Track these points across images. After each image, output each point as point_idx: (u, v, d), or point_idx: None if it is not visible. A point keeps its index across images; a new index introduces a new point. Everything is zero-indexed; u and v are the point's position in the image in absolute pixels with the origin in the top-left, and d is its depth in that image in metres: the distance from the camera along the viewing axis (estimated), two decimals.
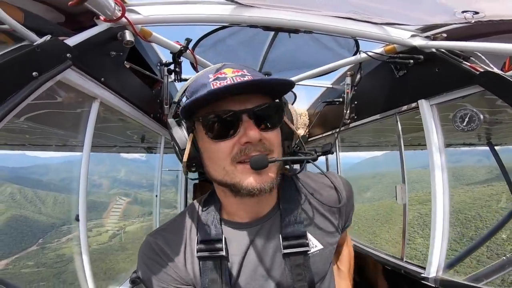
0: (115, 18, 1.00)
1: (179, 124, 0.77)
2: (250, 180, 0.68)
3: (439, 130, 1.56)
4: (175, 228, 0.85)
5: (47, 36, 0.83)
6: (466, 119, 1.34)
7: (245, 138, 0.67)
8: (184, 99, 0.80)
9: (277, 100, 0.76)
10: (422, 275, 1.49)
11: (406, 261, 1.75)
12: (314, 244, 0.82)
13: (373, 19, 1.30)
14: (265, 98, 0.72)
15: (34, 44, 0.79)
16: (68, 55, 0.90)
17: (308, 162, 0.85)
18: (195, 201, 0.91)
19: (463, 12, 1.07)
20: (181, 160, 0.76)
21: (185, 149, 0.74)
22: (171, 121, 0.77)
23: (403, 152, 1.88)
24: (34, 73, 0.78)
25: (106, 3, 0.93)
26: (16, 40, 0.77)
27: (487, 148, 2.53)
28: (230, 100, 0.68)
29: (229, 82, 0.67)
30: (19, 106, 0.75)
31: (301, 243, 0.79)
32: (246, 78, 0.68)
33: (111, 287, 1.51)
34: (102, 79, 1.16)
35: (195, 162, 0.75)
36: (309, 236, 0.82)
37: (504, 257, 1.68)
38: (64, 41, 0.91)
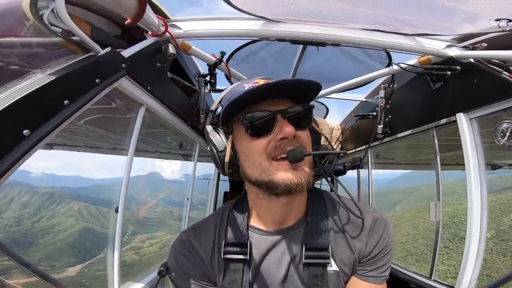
0: (159, 33, 1.17)
1: (215, 131, 0.84)
2: (288, 175, 0.72)
3: (479, 145, 1.44)
4: (206, 228, 0.91)
5: (108, 48, 1.00)
6: (508, 133, 1.24)
7: (281, 134, 0.72)
8: (220, 108, 0.87)
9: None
10: None
11: (434, 280, 1.61)
12: (331, 264, 0.82)
13: (402, 30, 1.31)
14: (294, 102, 0.78)
15: (98, 54, 0.97)
16: (123, 65, 1.07)
17: (338, 156, 0.92)
18: (226, 204, 0.97)
19: (496, 20, 1.04)
20: (217, 163, 0.83)
21: (222, 151, 0.81)
22: (208, 127, 0.84)
23: (439, 168, 1.76)
24: (97, 80, 0.94)
25: (151, 21, 1.09)
26: (83, 50, 0.95)
27: None
28: (264, 103, 0.76)
29: None
30: (85, 107, 0.89)
31: (323, 255, 0.81)
32: None
33: (139, 277, 1.62)
34: (149, 87, 1.32)
35: (232, 164, 0.80)
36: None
37: None
38: (121, 52, 1.09)
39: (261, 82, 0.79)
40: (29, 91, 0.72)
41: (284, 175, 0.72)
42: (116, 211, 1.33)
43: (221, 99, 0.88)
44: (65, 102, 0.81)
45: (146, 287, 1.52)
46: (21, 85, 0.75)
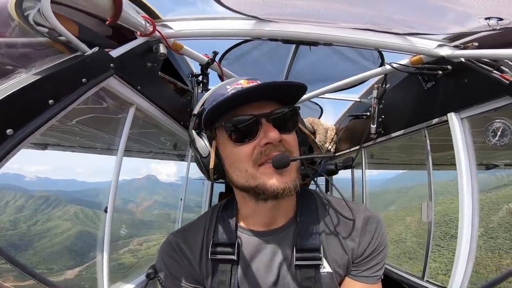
0: (148, 33, 1.16)
1: (199, 135, 0.83)
2: (273, 181, 0.70)
3: (471, 145, 1.45)
4: (195, 229, 0.90)
5: (95, 48, 0.99)
6: (498, 133, 1.25)
7: (265, 139, 0.70)
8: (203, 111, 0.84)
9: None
10: None
11: (427, 280, 1.61)
12: (323, 266, 0.81)
13: (393, 29, 1.31)
14: (279, 105, 0.76)
15: (85, 54, 0.95)
16: (111, 65, 1.06)
17: (326, 160, 0.89)
18: (215, 204, 0.96)
19: (486, 19, 1.04)
20: (202, 169, 0.82)
21: (206, 157, 0.79)
22: (192, 132, 0.83)
23: (431, 169, 1.77)
24: (83, 80, 0.93)
25: (136, 21, 1.08)
26: (70, 50, 0.94)
27: None
28: (248, 106, 0.73)
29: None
30: (70, 106, 0.88)
31: (314, 256, 0.79)
32: None
33: (128, 279, 1.60)
34: (139, 87, 1.31)
35: (217, 169, 0.79)
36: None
37: None
38: (109, 52, 1.08)
39: (245, 83, 0.77)
40: (13, 91, 0.72)
41: (270, 181, 0.70)
42: (105, 211, 1.31)
43: (204, 102, 0.86)
44: (50, 101, 0.80)
45: None
46: (5, 85, 0.74)
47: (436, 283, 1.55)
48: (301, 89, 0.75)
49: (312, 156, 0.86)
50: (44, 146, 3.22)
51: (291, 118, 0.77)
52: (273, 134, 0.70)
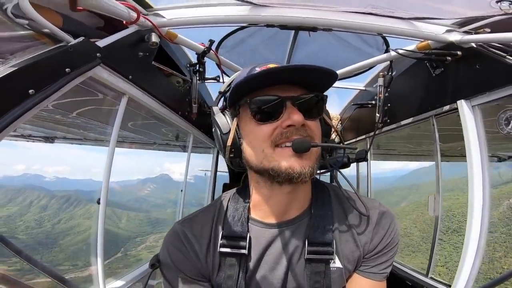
0: (133, 21, 1.11)
1: (222, 112, 0.81)
2: (290, 163, 0.68)
3: (482, 135, 1.37)
4: (203, 219, 0.85)
5: (80, 38, 0.96)
6: None
7: (288, 121, 0.69)
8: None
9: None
10: None
11: (431, 277, 1.57)
12: (334, 261, 0.79)
13: (396, 13, 1.22)
14: (307, 91, 0.74)
15: (69, 44, 0.93)
16: (98, 54, 1.03)
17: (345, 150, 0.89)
18: (225, 193, 0.92)
19: (497, 2, 0.95)
20: (220, 145, 0.80)
21: (226, 133, 0.77)
22: (215, 108, 0.82)
23: (439, 159, 1.70)
24: (67, 69, 0.91)
25: (114, 9, 1.04)
26: (54, 41, 0.91)
27: None
28: (275, 88, 0.72)
29: None
30: (53, 95, 0.87)
31: (326, 250, 0.77)
32: None
33: (131, 268, 1.62)
34: (130, 76, 1.28)
35: (235, 147, 0.77)
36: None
37: None
38: (96, 42, 1.05)
39: (273, 66, 0.75)
40: None
41: (286, 163, 0.68)
42: (98, 202, 1.30)
43: (231, 81, 0.86)
44: (30, 91, 0.79)
45: (133, 281, 1.52)
46: None
47: (441, 280, 1.51)
48: (332, 76, 0.72)
49: (335, 146, 0.82)
50: (51, 139, 3.29)
51: (317, 105, 0.75)
52: (297, 117, 0.69)
